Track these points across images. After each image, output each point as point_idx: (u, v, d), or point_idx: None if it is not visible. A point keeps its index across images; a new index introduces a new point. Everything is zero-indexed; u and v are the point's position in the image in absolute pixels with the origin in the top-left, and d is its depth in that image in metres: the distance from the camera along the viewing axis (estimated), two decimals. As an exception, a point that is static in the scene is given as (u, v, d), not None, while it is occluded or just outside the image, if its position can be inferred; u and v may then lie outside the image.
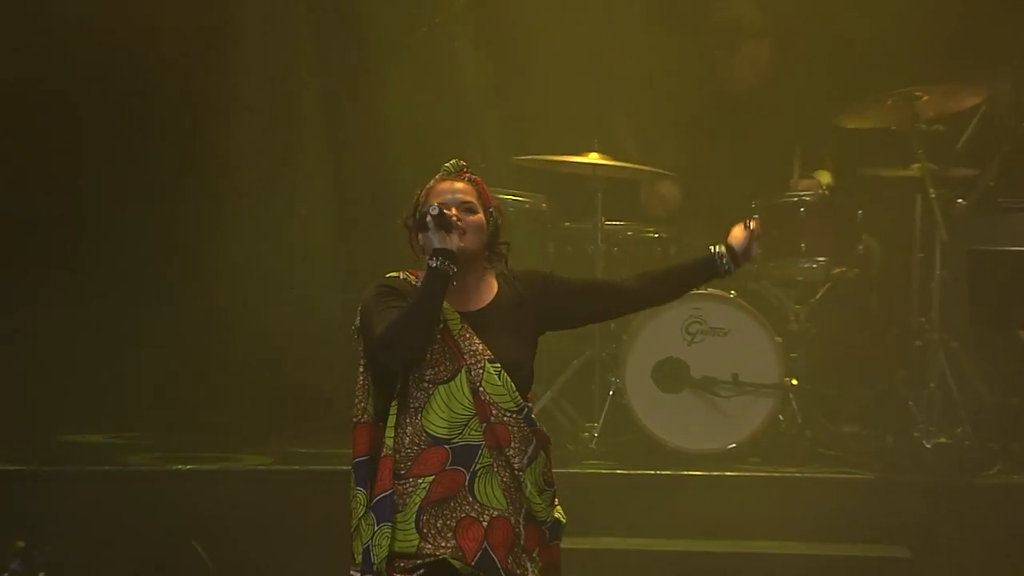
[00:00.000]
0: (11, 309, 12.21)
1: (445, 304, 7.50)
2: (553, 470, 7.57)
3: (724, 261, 7.86)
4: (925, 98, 11.50)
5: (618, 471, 10.36)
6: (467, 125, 11.90)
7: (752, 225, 7.94)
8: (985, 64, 12.02)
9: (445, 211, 7.48)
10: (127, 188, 13.04)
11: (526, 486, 7.42)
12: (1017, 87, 11.22)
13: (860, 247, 11.65)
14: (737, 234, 7.90)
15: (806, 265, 11.51)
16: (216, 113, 12.73)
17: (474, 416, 7.39)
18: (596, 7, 12.65)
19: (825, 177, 12.01)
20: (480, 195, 7.60)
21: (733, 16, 12.35)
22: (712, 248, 7.89)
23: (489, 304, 7.53)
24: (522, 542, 7.51)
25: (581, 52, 12.52)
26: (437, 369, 7.49)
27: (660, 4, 12.67)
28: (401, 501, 7.46)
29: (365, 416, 7.54)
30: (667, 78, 12.47)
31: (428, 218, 7.27)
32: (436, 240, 7.21)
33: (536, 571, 7.55)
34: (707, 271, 7.94)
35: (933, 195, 11.32)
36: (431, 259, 7.29)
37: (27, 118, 12.95)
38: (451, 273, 7.31)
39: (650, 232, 11.87)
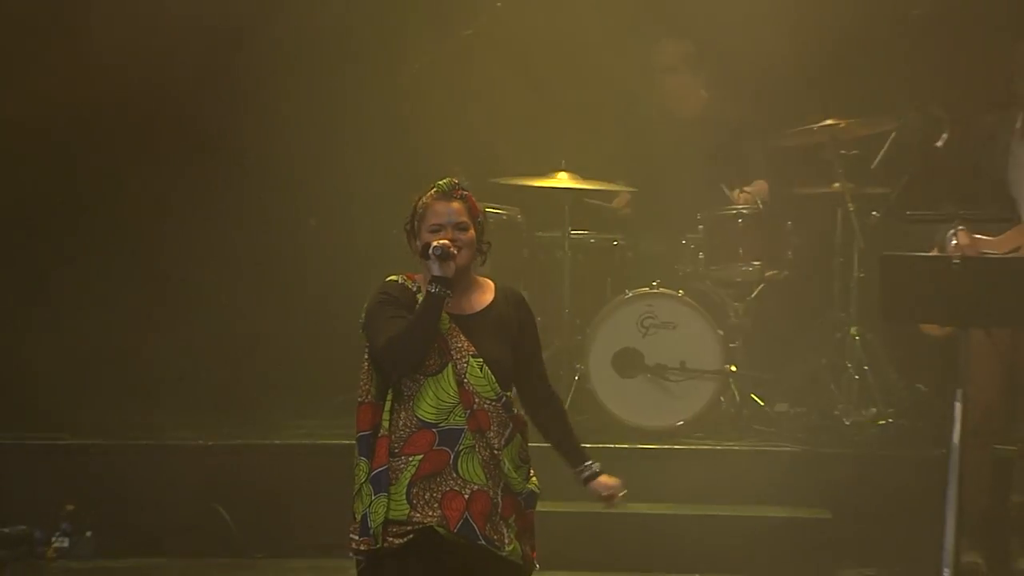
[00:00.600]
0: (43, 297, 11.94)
1: None
2: (529, 444, 7.68)
3: (584, 475, 7.88)
4: (843, 126, 11.61)
5: (583, 445, 10.31)
6: (461, 144, 11.68)
7: (615, 499, 7.91)
8: (896, 96, 11.91)
9: (444, 245, 7.48)
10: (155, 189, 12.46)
11: (504, 463, 7.59)
12: (923, 116, 11.21)
13: (789, 253, 11.70)
14: (605, 483, 7.88)
15: (743, 268, 11.57)
16: (238, 115, 12.38)
17: (459, 404, 7.56)
18: (562, 42, 12.14)
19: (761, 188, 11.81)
20: (470, 210, 7.65)
21: (683, 52, 12.06)
22: (591, 465, 7.88)
23: (481, 311, 7.68)
24: (499, 511, 7.63)
25: (552, 80, 12.25)
26: (427, 363, 7.58)
27: (619, 37, 12.13)
28: (395, 476, 7.59)
29: (368, 397, 7.66)
30: (630, 103, 12.33)
31: (430, 251, 7.41)
32: (435, 269, 7.39)
33: (512, 536, 7.66)
34: (572, 462, 7.92)
35: (851, 209, 11.50)
36: (431, 284, 7.43)
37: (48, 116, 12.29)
38: (446, 296, 7.48)
39: (610, 240, 11.78)
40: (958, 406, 9.83)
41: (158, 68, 12.41)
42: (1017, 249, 10.36)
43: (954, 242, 10.29)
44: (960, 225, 10.25)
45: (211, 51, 12.56)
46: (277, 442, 10.96)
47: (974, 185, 10.75)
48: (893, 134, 11.61)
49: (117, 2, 12.43)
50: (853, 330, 11.68)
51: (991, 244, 10.38)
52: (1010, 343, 10.44)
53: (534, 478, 7.73)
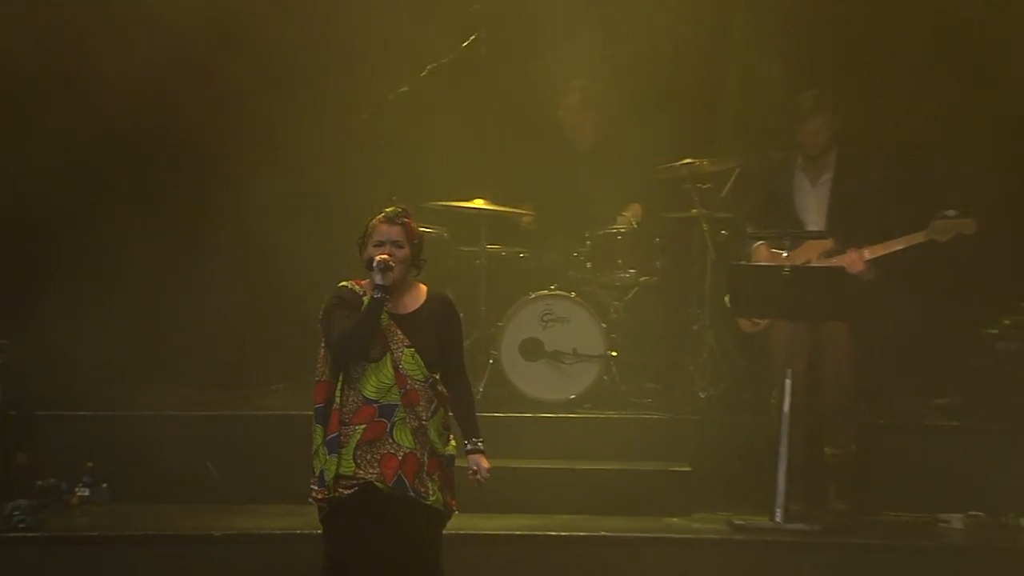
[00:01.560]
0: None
1: None
2: (449, 414, 7.97)
3: (468, 447, 8.02)
4: (699, 164, 11.61)
5: (496, 414, 10.57)
6: (406, 173, 11.66)
7: (478, 476, 8.04)
8: (740, 141, 11.92)
9: (383, 260, 7.75)
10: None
11: (429, 432, 7.86)
12: (760, 158, 11.17)
13: (658, 263, 11.73)
14: (478, 461, 8.00)
15: (622, 275, 11.64)
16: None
17: (395, 385, 7.84)
18: (487, 92, 12.03)
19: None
20: (408, 233, 7.86)
21: (581, 96, 12.00)
22: (477, 442, 8.01)
23: (414, 311, 7.95)
24: (426, 469, 7.86)
25: (479, 120, 12.04)
26: (372, 352, 7.84)
27: (532, 84, 12.10)
28: (344, 440, 7.84)
29: (323, 376, 7.90)
30: (535, 139, 12.11)
31: (375, 264, 7.73)
32: (377, 279, 7.69)
33: (435, 488, 7.88)
34: (466, 434, 8.05)
35: (706, 228, 11.51)
36: (374, 290, 7.76)
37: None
38: (386, 301, 7.75)
39: (517, 253, 11.79)
40: (788, 383, 10.15)
41: (155, 90, 12.03)
42: (807, 261, 10.38)
43: (758, 245, 10.58)
44: (787, 241, 10.38)
45: (200, 75, 12.12)
46: (254, 413, 10.97)
47: (769, 209, 10.72)
48: (737, 171, 11.54)
49: (111, 37, 11.92)
50: (707, 323, 11.62)
51: (788, 257, 10.41)
52: (812, 332, 10.44)
53: (452, 443, 7.95)
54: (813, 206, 10.67)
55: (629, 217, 11.80)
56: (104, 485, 10.50)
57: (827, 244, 10.53)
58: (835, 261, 10.40)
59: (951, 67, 12.04)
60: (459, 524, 8.34)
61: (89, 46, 11.86)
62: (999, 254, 11.48)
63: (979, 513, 10.50)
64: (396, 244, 7.82)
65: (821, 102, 10.80)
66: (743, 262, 10.79)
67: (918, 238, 10.44)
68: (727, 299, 10.70)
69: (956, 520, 10.47)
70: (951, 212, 10.41)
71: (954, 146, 11.97)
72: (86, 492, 10.45)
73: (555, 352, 11.29)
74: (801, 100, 10.88)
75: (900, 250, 10.50)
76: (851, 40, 12.21)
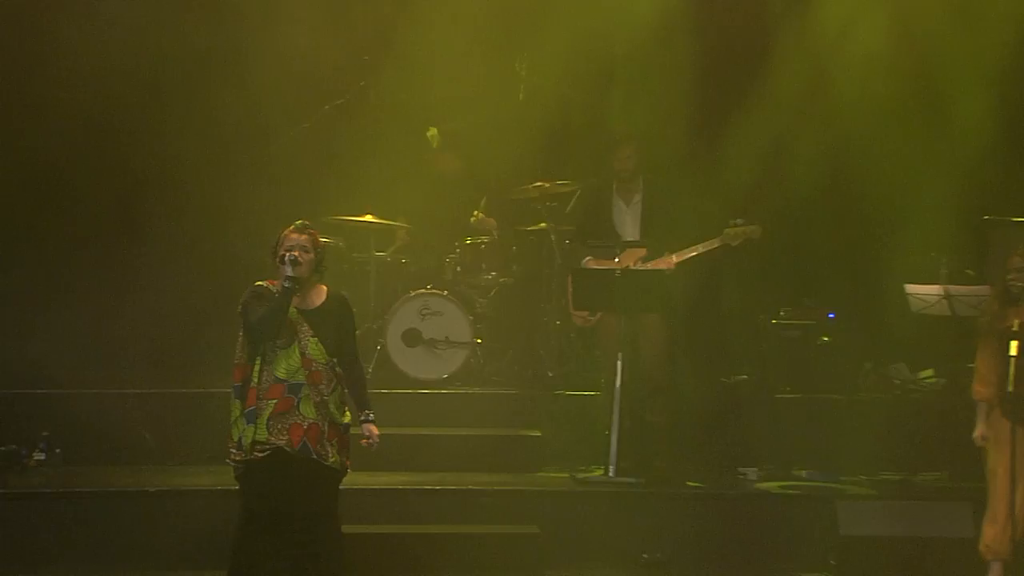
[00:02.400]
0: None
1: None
2: (345, 391, 8.10)
3: (362, 419, 8.15)
4: (547, 186, 11.65)
5: (383, 390, 10.55)
6: (312, 192, 11.54)
7: (370, 442, 8.15)
8: (580, 165, 11.95)
9: (292, 254, 7.89)
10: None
11: (329, 405, 8.00)
12: (600, 180, 10.98)
13: (514, 267, 11.77)
14: (370, 429, 8.14)
15: (485, 277, 11.71)
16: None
17: (301, 367, 7.98)
18: (384, 128, 11.90)
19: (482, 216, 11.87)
20: (313, 242, 7.99)
21: (446, 137, 12.00)
22: (369, 415, 8.15)
23: (317, 307, 8.09)
24: (326, 436, 7.96)
25: (372, 150, 11.88)
26: (282, 340, 7.96)
27: (408, 124, 11.97)
28: (259, 413, 7.92)
29: (241, 359, 8.02)
30: (413, 168, 11.91)
31: (285, 258, 7.88)
32: (288, 270, 7.86)
33: (334, 451, 8.00)
34: (359, 408, 8.17)
35: (553, 239, 11.58)
36: (284, 281, 7.87)
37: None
38: (294, 290, 7.90)
39: (400, 258, 11.72)
40: (619, 364, 10.28)
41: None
42: (627, 266, 10.37)
43: (587, 259, 10.58)
44: (619, 252, 10.42)
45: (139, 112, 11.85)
46: (182, 390, 10.79)
47: (594, 225, 10.69)
48: (578, 191, 11.54)
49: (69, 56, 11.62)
50: (553, 316, 11.65)
51: (616, 263, 10.45)
52: (633, 322, 10.45)
53: (348, 414, 8.09)
54: (629, 222, 10.62)
55: (489, 229, 11.78)
56: (57, 450, 10.37)
57: (642, 252, 10.50)
58: (650, 265, 10.42)
59: (736, 95, 12.01)
60: (353, 480, 8.39)
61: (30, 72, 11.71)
62: (783, 255, 11.58)
63: (770, 466, 10.62)
64: (303, 248, 7.98)
65: (629, 134, 10.87)
66: (591, 267, 10.69)
67: (714, 243, 10.46)
68: (575, 316, 10.84)
69: (752, 472, 10.57)
70: (740, 220, 10.46)
71: (745, 164, 11.85)
72: (42, 456, 10.32)
73: (431, 340, 11.29)
74: (614, 132, 11.03)
75: (701, 253, 10.51)
76: (659, 76, 12.02)
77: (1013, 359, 8.90)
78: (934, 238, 11.41)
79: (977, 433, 9.22)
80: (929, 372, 11.44)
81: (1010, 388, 8.92)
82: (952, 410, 10.28)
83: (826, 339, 11.56)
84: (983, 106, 11.83)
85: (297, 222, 8.12)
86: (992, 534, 9.12)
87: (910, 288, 10.57)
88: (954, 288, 10.34)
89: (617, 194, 10.68)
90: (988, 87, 11.90)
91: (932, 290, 10.46)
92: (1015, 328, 8.95)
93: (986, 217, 11.44)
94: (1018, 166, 11.64)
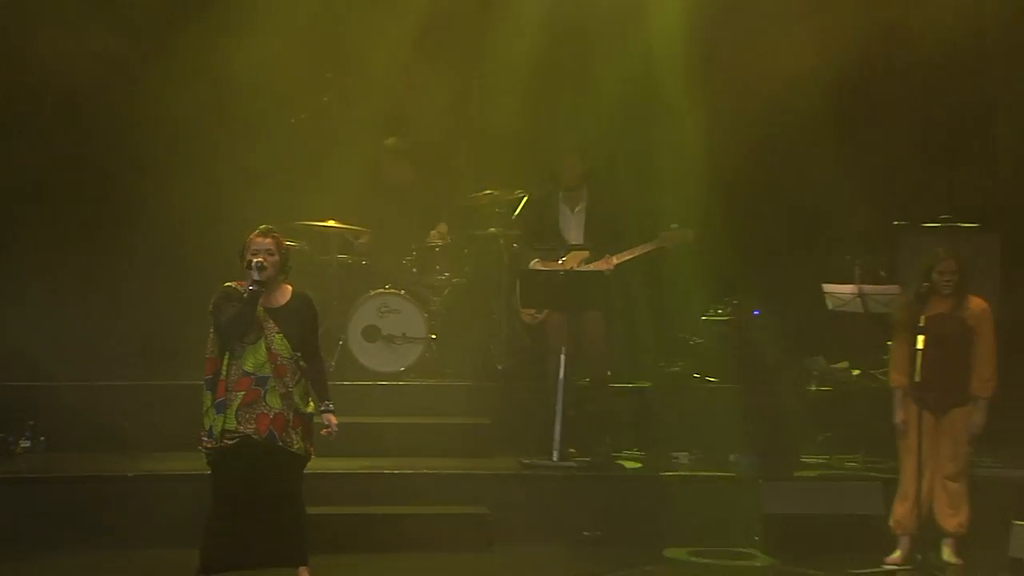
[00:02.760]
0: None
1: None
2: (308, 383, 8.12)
3: (322, 409, 8.16)
4: (496, 194, 11.67)
5: (344, 382, 10.54)
6: (285, 199, 11.40)
7: (329, 430, 8.19)
8: (526, 174, 11.81)
9: (259, 261, 7.88)
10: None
11: (294, 396, 8.04)
12: (546, 188, 10.93)
13: (467, 268, 11.74)
14: (329, 418, 8.17)
15: (440, 277, 11.65)
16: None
17: (267, 361, 7.98)
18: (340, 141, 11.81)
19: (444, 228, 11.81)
20: (277, 245, 8.00)
21: (398, 147, 11.84)
22: (328, 405, 8.17)
23: (283, 305, 8.10)
24: (291, 424, 7.99)
25: (338, 161, 11.67)
26: (249, 336, 7.98)
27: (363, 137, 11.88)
28: (228, 404, 7.96)
29: (212, 354, 8.06)
30: (370, 176, 11.78)
31: (252, 264, 7.89)
32: (255, 275, 7.87)
33: (299, 438, 8.04)
34: (319, 399, 8.15)
35: (501, 243, 11.51)
36: (252, 285, 7.88)
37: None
38: (260, 294, 7.90)
39: (360, 260, 11.61)
40: (563, 358, 10.31)
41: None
42: (571, 267, 10.41)
43: (535, 261, 10.61)
44: (564, 255, 10.49)
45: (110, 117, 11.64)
46: (158, 383, 10.71)
47: (541, 230, 10.77)
48: (525, 198, 11.50)
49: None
50: (503, 313, 11.57)
51: (561, 264, 10.49)
52: (576, 318, 10.43)
53: (312, 404, 8.13)
54: (573, 226, 10.65)
55: (442, 233, 11.74)
56: (41, 438, 10.37)
57: (585, 254, 10.52)
58: (592, 266, 10.44)
59: (668, 106, 11.90)
60: (316, 465, 8.38)
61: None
62: (713, 257, 11.48)
63: (701, 451, 10.64)
64: (268, 252, 7.99)
65: (574, 146, 10.88)
66: (538, 268, 10.68)
67: (650, 246, 10.52)
68: (523, 314, 10.85)
69: (684, 456, 10.59)
70: (674, 225, 10.54)
71: (678, 172, 11.85)
72: (28, 444, 10.32)
73: (389, 335, 11.24)
74: (561, 144, 10.98)
75: (638, 255, 10.54)
76: (597, 89, 12.04)
77: (920, 352, 9.00)
78: (849, 242, 11.42)
79: (898, 419, 9.36)
80: (844, 364, 11.44)
81: (917, 378, 9.04)
82: (865, 399, 10.42)
83: (751, 334, 11.50)
84: (896, 119, 11.93)
85: (262, 227, 8.14)
86: (902, 511, 9.31)
87: (827, 287, 10.63)
88: (867, 287, 10.43)
89: (563, 201, 10.72)
90: (901, 100, 11.99)
91: (847, 289, 10.53)
92: (922, 324, 9.09)
93: (896, 223, 11.44)
94: (926, 176, 11.69)
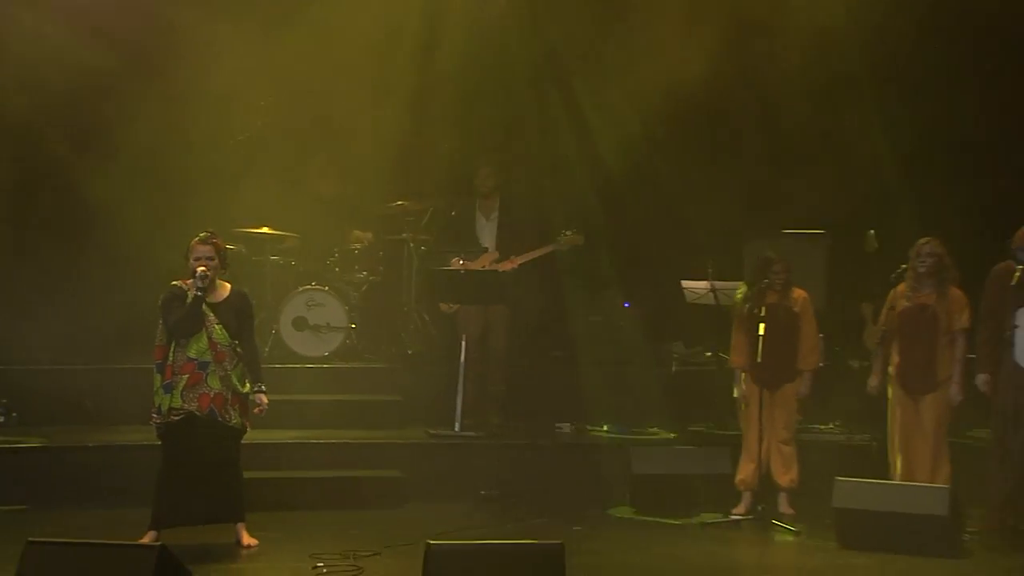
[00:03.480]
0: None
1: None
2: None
3: (255, 389, 8.11)
4: (407, 204, 11.68)
5: (276, 365, 10.44)
6: (227, 207, 11.09)
7: (259, 409, 8.16)
8: (432, 185, 11.89)
9: (202, 272, 7.94)
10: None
11: (232, 378, 8.12)
12: (455, 201, 11.20)
13: (381, 267, 11.71)
14: (260, 398, 8.13)
15: (359, 275, 11.58)
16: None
17: (209, 348, 8.10)
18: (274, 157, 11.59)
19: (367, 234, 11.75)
20: (217, 249, 8.08)
21: (323, 164, 11.77)
22: (261, 387, 8.13)
23: (223, 300, 8.15)
24: (229, 403, 8.08)
25: (272, 172, 11.47)
26: (194, 328, 8.05)
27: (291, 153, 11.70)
28: (175, 385, 8.03)
29: (161, 342, 8.13)
30: (297, 189, 11.60)
31: (196, 274, 7.91)
32: (199, 283, 7.91)
33: (236, 415, 8.13)
34: (253, 381, 8.11)
35: (412, 246, 11.57)
36: (196, 290, 7.89)
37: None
38: (203, 299, 8.02)
39: (290, 261, 11.50)
40: (463, 344, 10.45)
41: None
42: (483, 266, 10.49)
43: (455, 260, 10.61)
44: (461, 256, 10.57)
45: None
46: (115, 366, 10.56)
47: (459, 235, 10.85)
48: (432, 209, 11.64)
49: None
50: (413, 306, 11.64)
51: (474, 264, 10.59)
52: (483, 310, 10.56)
53: (247, 385, 8.18)
54: (487, 231, 10.75)
55: (364, 237, 11.72)
56: (14, 414, 10.25)
57: (495, 255, 10.60)
58: (499, 266, 10.50)
59: (556, 125, 11.92)
60: (252, 436, 8.46)
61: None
62: (593, 256, 11.55)
63: (581, 422, 10.79)
64: (208, 257, 8.03)
65: (487, 159, 10.98)
66: (440, 268, 10.75)
67: (547, 249, 10.58)
68: (441, 305, 10.75)
69: (566, 427, 10.74)
70: (568, 231, 10.59)
71: (569, 184, 11.83)
72: (1, 420, 10.17)
73: (315, 325, 11.19)
74: (476, 160, 11.07)
75: (536, 256, 10.59)
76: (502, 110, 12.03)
77: (761, 337, 9.26)
78: (704, 245, 11.49)
79: (739, 394, 9.56)
80: (699, 348, 11.61)
81: (759, 359, 9.28)
82: (716, 376, 10.53)
83: (623, 322, 11.72)
84: (745, 141, 12.01)
85: (202, 234, 8.16)
86: (745, 471, 9.51)
87: (685, 283, 10.86)
88: (718, 284, 10.58)
89: (479, 209, 10.80)
90: (750, 124, 12.01)
91: (701, 285, 10.73)
92: (763, 313, 9.36)
93: (743, 230, 11.59)
94: (767, 191, 11.67)
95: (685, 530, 9.02)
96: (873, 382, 9.37)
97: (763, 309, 9.37)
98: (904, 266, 9.30)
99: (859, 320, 10.72)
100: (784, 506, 9.49)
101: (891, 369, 9.24)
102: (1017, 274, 8.79)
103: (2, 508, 9.13)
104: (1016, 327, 8.79)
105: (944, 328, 9.08)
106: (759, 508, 9.36)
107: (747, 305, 9.52)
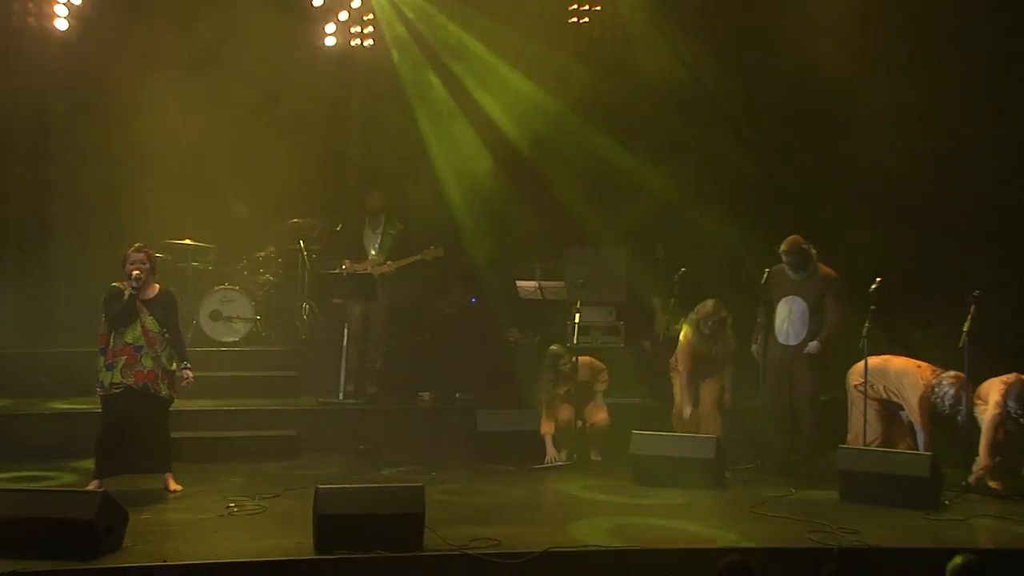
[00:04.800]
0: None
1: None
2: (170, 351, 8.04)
3: (182, 368, 7.99)
4: (299, 221, 11.49)
5: (197, 349, 10.02)
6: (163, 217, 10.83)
7: (186, 382, 7.98)
8: (334, 200, 11.54)
9: (136, 276, 7.83)
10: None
11: (161, 359, 8.04)
12: (344, 216, 10.92)
13: (280, 271, 11.50)
14: (187, 375, 7.98)
15: (262, 278, 11.47)
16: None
17: (142, 335, 7.98)
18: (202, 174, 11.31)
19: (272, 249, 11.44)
20: (148, 256, 7.98)
21: (239, 188, 11.44)
22: (186, 365, 7.97)
23: (152, 298, 8.06)
24: (160, 377, 7.97)
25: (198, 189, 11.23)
26: (130, 320, 7.98)
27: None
28: (115, 364, 7.91)
29: (103, 330, 7.99)
30: (222, 203, 11.40)
31: (132, 276, 7.80)
32: (133, 284, 7.80)
33: (165, 387, 8.02)
34: (179, 360, 7.98)
35: (304, 254, 11.37)
36: (132, 289, 7.84)
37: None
38: (137, 296, 7.92)
39: (207, 266, 11.37)
40: (347, 330, 10.33)
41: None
42: (366, 269, 10.34)
43: (344, 265, 10.49)
44: (349, 260, 10.38)
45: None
46: (66, 349, 10.29)
47: (352, 245, 10.60)
48: (320, 225, 11.39)
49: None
50: (304, 301, 11.40)
51: (359, 267, 10.42)
52: (365, 304, 10.36)
53: (175, 363, 8.06)
54: (374, 243, 10.54)
55: (269, 249, 11.58)
56: None
57: (378, 260, 10.44)
58: (378, 271, 10.35)
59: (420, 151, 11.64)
60: (178, 404, 8.36)
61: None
62: (452, 265, 11.37)
63: (438, 391, 10.61)
64: (141, 263, 7.95)
65: (376, 186, 10.83)
66: (326, 271, 10.65)
67: (416, 258, 10.44)
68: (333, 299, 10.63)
69: (427, 395, 10.63)
70: (432, 246, 10.42)
71: (432, 206, 11.61)
72: None
73: (228, 317, 11.03)
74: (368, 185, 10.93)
75: (407, 264, 10.46)
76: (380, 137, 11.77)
77: (576, 325, 9.39)
78: (534, 252, 11.49)
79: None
80: (530, 333, 11.59)
81: (574, 343, 9.41)
82: (535, 358, 10.46)
83: (473, 314, 11.68)
84: (561, 171, 11.78)
85: (136, 244, 8.07)
86: (546, 428, 9.43)
87: (519, 283, 10.97)
88: (544, 283, 10.68)
89: (368, 224, 10.57)
90: (571, 155, 11.80)
91: (531, 284, 10.84)
92: (578, 307, 9.48)
93: (565, 244, 11.62)
94: (583, 209, 11.66)
95: (517, 474, 8.97)
96: (687, 413, 9.25)
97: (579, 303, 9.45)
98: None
99: (651, 311, 11.08)
100: (595, 454, 9.49)
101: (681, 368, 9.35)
102: (765, 274, 8.95)
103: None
104: (778, 313, 8.95)
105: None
106: (574, 456, 9.35)
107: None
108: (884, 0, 10.71)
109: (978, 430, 8.26)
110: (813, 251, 8.81)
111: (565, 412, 9.39)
